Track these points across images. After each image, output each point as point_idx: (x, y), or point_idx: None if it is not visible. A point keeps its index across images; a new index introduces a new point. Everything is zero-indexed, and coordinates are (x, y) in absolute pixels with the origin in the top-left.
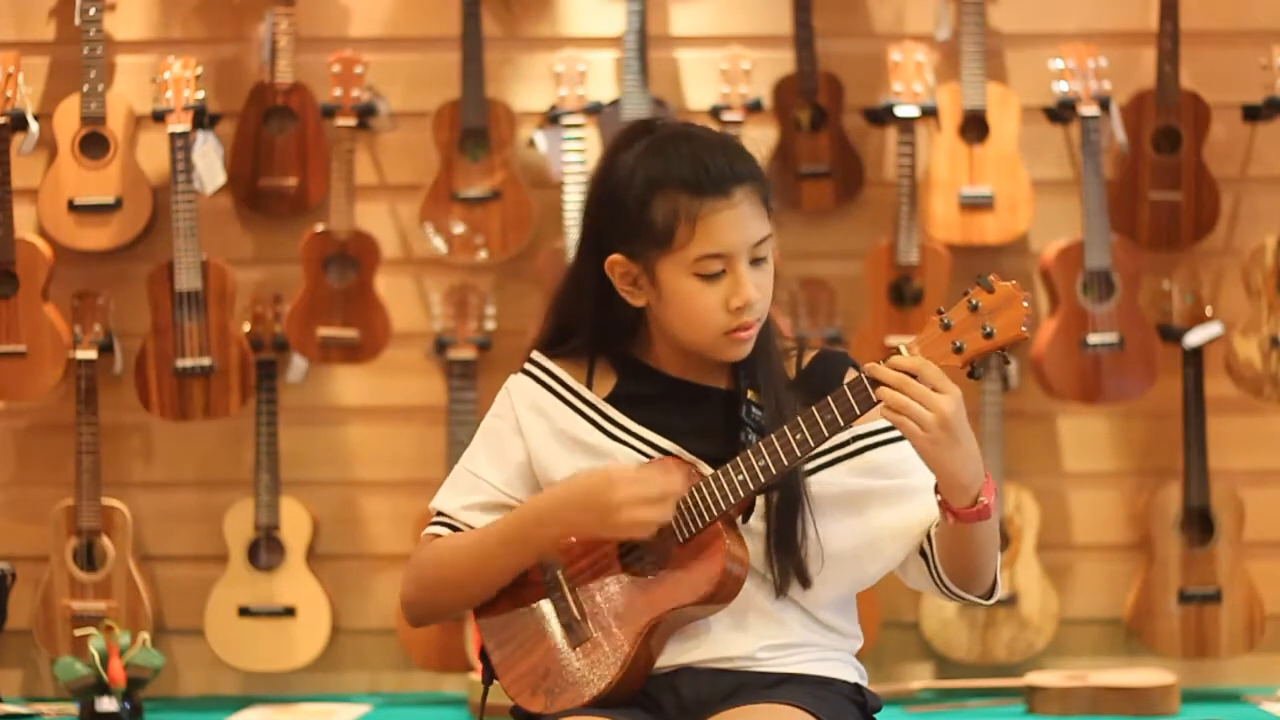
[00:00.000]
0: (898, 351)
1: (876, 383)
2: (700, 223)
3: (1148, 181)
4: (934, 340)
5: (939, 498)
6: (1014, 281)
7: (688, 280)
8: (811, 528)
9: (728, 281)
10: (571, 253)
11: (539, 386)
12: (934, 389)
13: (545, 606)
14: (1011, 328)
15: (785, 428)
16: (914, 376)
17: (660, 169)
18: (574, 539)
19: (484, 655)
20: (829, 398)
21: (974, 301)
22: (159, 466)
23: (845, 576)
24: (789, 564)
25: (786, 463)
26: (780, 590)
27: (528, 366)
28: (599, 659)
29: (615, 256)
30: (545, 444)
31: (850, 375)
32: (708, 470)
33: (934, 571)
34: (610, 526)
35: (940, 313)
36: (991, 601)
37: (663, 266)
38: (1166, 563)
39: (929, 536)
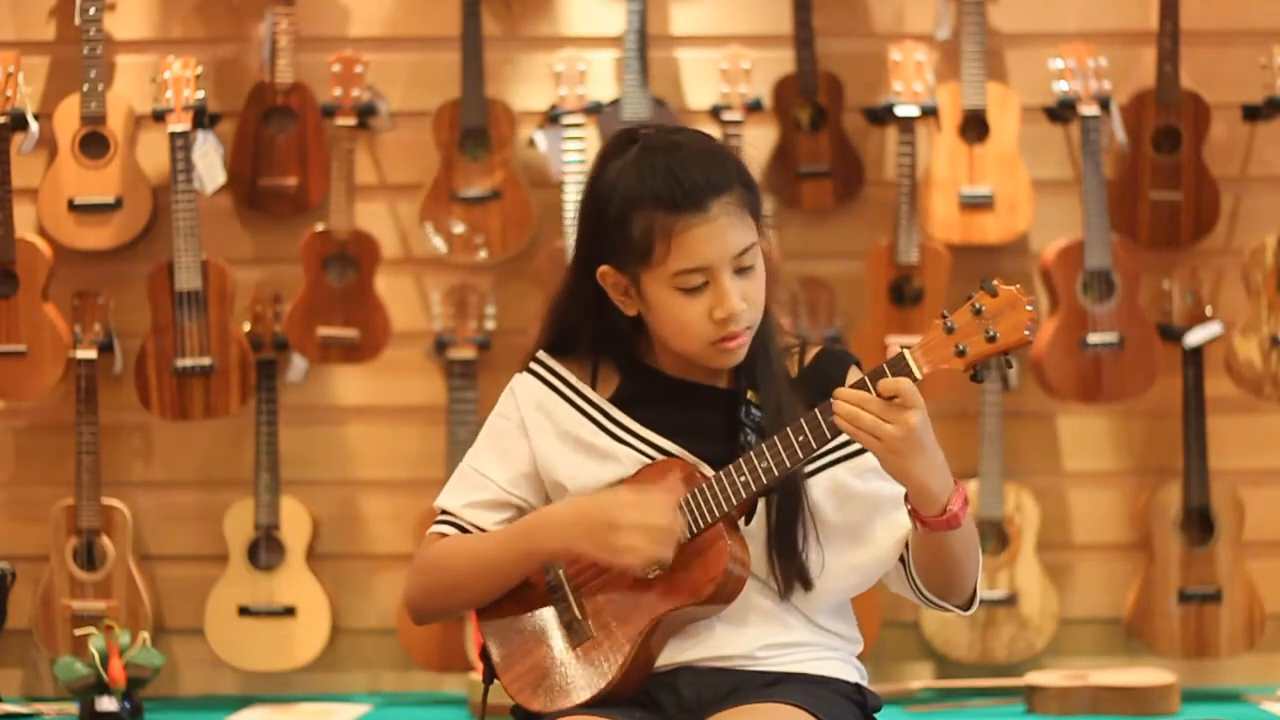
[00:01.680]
0: (900, 353)
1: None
2: (676, 239)
3: (1148, 181)
4: (936, 343)
5: (909, 506)
6: (1018, 285)
7: (671, 294)
8: (812, 530)
9: (710, 294)
10: (569, 259)
11: (544, 386)
12: (903, 405)
13: (547, 606)
14: (1014, 332)
15: (788, 429)
16: (893, 398)
17: (635, 185)
18: (571, 556)
19: (485, 654)
20: (831, 400)
21: (977, 305)
22: (159, 466)
23: (845, 578)
24: (790, 567)
25: (789, 464)
26: (783, 593)
27: (533, 366)
28: (599, 659)
29: (605, 268)
30: (549, 443)
31: (853, 374)
32: (709, 471)
33: (911, 579)
34: (606, 548)
35: (944, 316)
36: (969, 612)
37: (646, 280)
38: (1166, 562)
39: (907, 544)
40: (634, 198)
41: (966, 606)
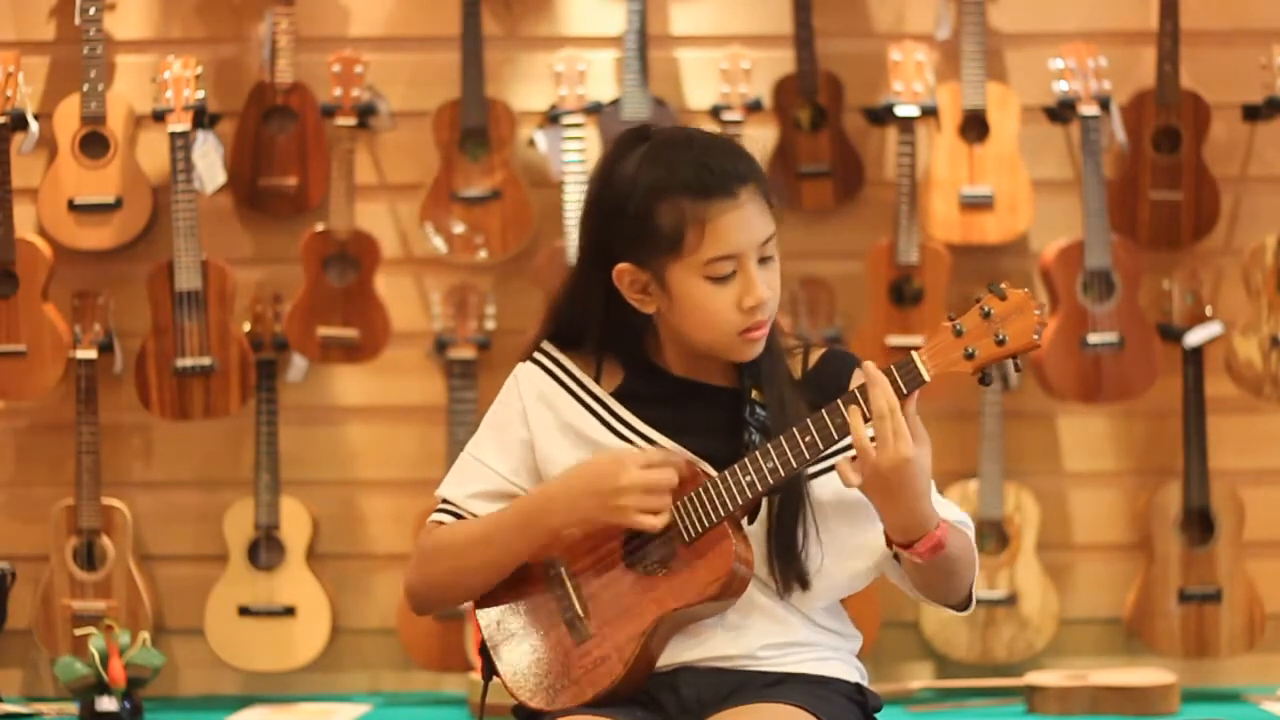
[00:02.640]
0: (908, 356)
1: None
2: (709, 225)
3: (1148, 181)
4: (945, 346)
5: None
6: (1026, 289)
7: (699, 284)
8: (813, 530)
9: (739, 282)
10: (572, 261)
11: (547, 377)
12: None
13: (547, 603)
14: (1023, 335)
15: (794, 430)
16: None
17: (663, 175)
18: (576, 530)
19: (484, 651)
20: (839, 401)
21: (986, 308)
22: (159, 466)
23: (841, 578)
24: (790, 567)
25: (795, 465)
26: (782, 592)
27: (537, 356)
28: (601, 657)
29: (623, 265)
30: (550, 435)
31: (857, 376)
32: (711, 470)
33: (905, 578)
34: (612, 510)
35: (951, 319)
36: (966, 613)
37: (673, 272)
38: (1166, 562)
39: None
40: (661, 187)
41: (962, 608)
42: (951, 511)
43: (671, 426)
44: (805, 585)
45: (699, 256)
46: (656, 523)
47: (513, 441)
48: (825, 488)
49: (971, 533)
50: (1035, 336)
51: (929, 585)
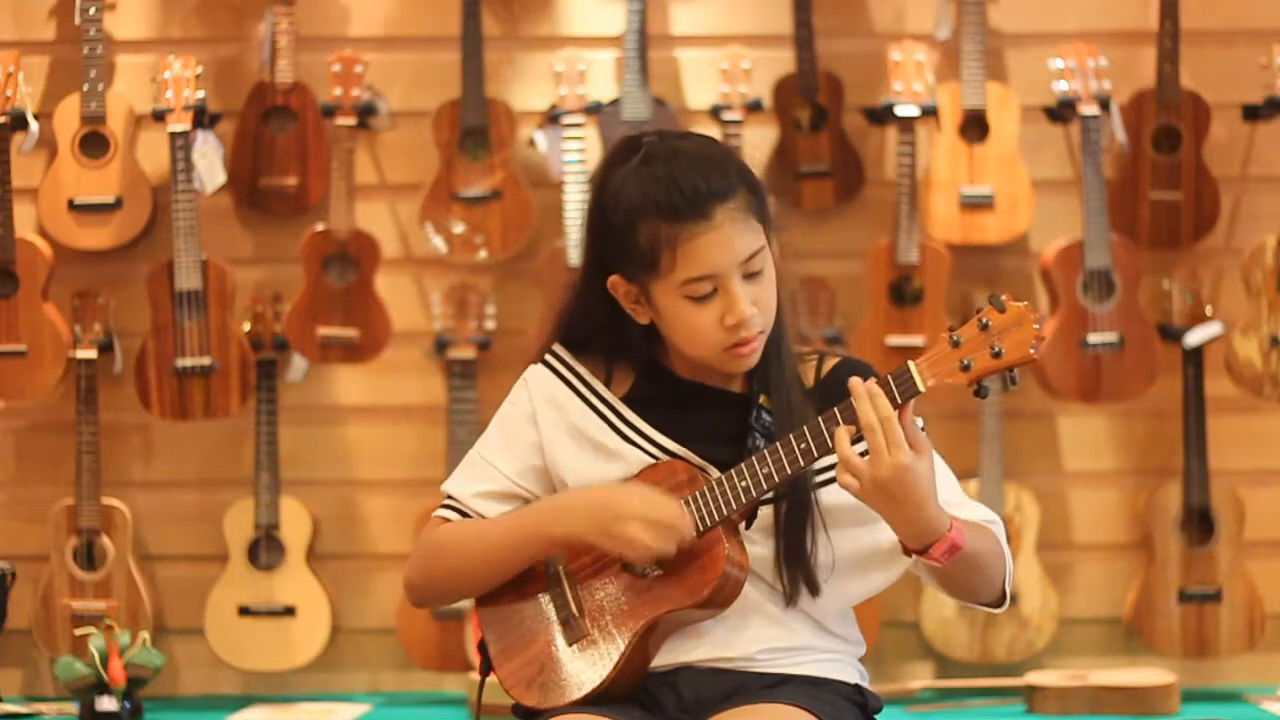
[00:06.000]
0: (905, 366)
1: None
2: (681, 248)
3: (1148, 181)
4: (942, 357)
5: None
6: (1026, 303)
7: (680, 302)
8: (822, 537)
9: (720, 300)
10: (575, 263)
11: (558, 380)
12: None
13: (544, 601)
14: (1020, 349)
15: (791, 435)
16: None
17: (638, 196)
18: (573, 543)
19: (482, 646)
20: (835, 408)
21: (984, 320)
22: (159, 466)
23: (852, 586)
24: (799, 574)
25: (790, 470)
26: (790, 600)
27: (548, 359)
28: (594, 657)
29: (615, 278)
30: (558, 437)
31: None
32: (715, 474)
33: (931, 579)
34: (609, 536)
35: (950, 330)
36: (1000, 609)
37: (655, 290)
38: (1166, 562)
39: None
40: (637, 208)
41: (996, 605)
42: (976, 511)
43: (679, 432)
44: (815, 592)
45: (675, 278)
46: (643, 553)
47: (521, 443)
48: (834, 494)
49: (999, 530)
50: (1032, 350)
51: (954, 585)
